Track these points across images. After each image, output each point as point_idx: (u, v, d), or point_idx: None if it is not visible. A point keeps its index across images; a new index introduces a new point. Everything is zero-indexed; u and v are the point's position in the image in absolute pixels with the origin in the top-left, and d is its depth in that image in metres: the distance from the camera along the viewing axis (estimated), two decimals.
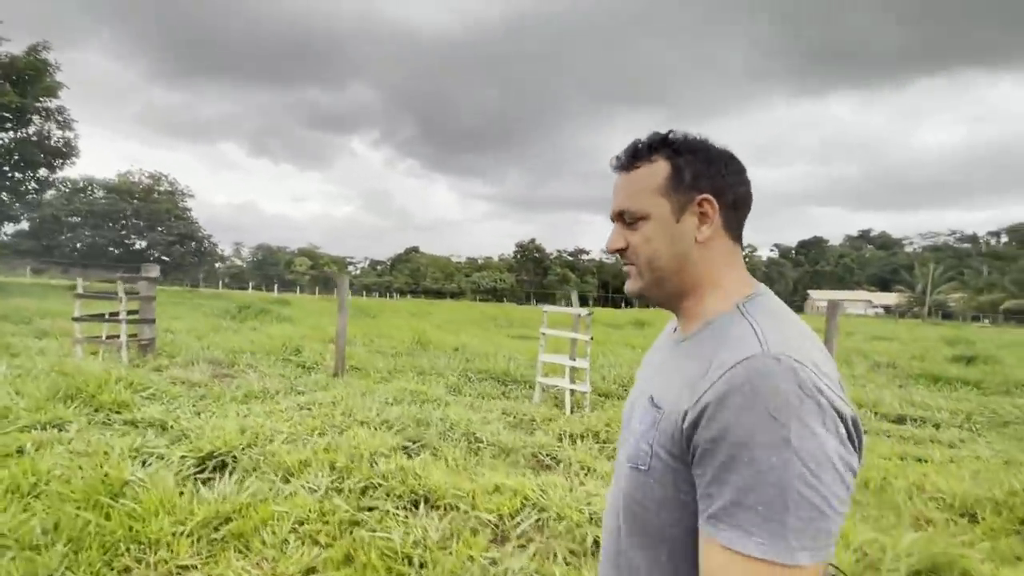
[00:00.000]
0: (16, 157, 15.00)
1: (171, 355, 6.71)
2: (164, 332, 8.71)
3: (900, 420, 5.75)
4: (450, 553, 2.33)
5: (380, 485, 2.91)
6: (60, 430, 3.55)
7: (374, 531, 2.46)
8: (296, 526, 2.49)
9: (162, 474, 2.84)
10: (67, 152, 16.17)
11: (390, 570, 2.21)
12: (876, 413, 5.93)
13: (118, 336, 6.07)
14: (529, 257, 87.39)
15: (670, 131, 0.76)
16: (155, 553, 2.24)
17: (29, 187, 15.92)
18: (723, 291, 0.73)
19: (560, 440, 4.16)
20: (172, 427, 3.72)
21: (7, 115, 14.78)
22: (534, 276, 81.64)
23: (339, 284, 6.85)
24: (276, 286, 52.59)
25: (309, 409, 4.50)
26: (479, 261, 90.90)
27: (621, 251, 0.77)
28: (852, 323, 28.37)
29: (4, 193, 15.52)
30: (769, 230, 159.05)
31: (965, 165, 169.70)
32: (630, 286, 0.78)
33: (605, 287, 79.34)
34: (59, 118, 16.08)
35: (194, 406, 4.45)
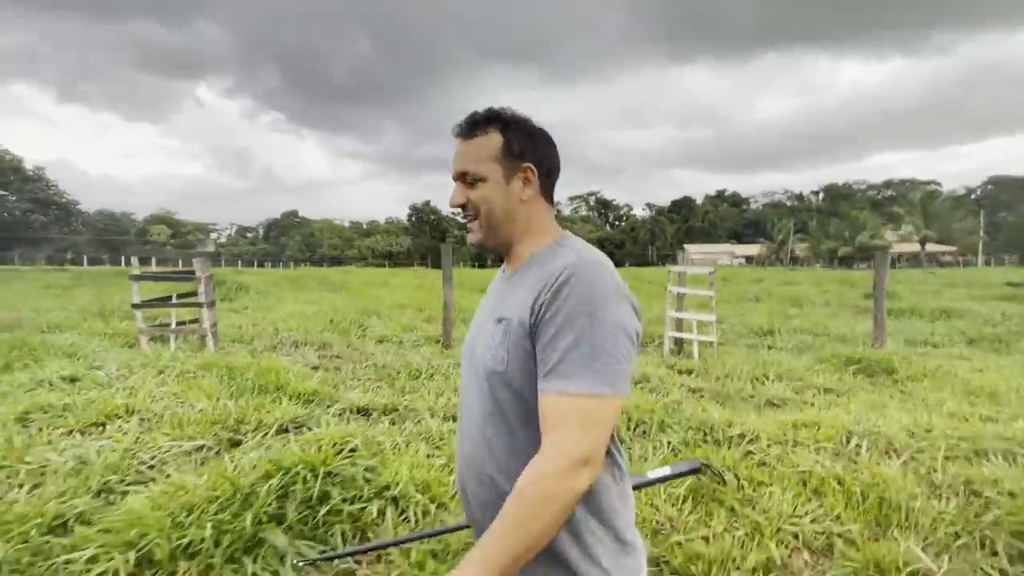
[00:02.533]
0: None
1: (241, 340, 5.93)
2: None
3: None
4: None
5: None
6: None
7: None
8: None
9: None
10: None
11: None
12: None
13: (197, 321, 5.19)
14: (425, 220, 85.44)
15: (501, 108, 0.95)
16: None
17: None
18: (542, 235, 0.95)
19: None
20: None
21: None
22: (430, 239, 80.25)
23: (443, 253, 6.48)
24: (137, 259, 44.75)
25: None
26: (363, 225, 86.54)
27: (462, 206, 0.96)
28: (735, 272, 32.84)
29: None
30: (642, 190, 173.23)
31: (794, 132, 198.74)
32: (471, 237, 0.98)
33: None
34: None
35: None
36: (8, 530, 2.09)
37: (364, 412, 3.69)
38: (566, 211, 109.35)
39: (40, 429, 3.00)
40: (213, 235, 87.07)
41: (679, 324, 6.09)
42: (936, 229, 46.04)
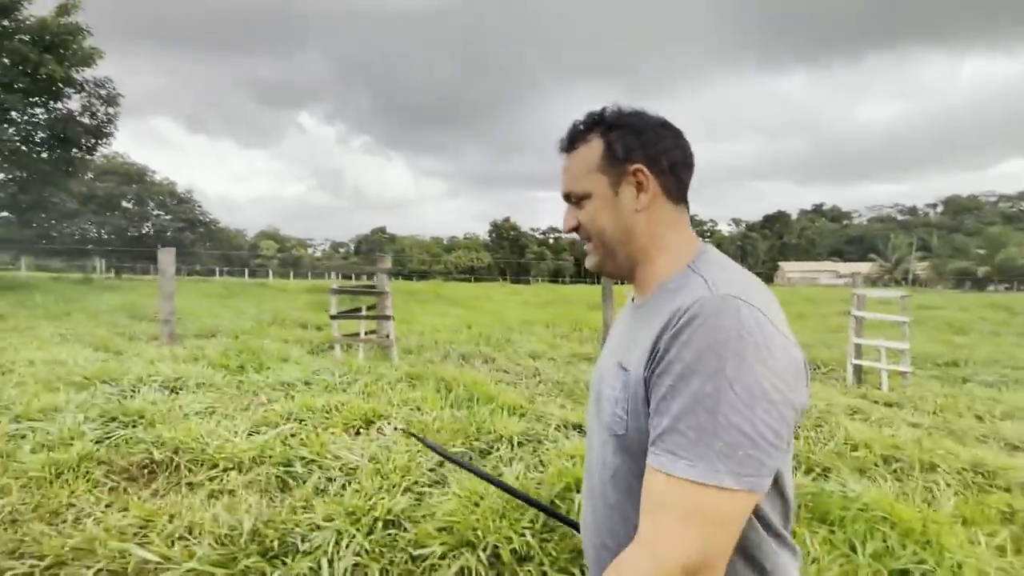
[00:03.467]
0: (60, 136, 13.04)
1: (409, 351, 6.31)
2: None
3: None
4: None
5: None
6: None
7: None
8: None
9: None
10: (107, 131, 14.29)
11: None
12: None
13: (375, 332, 5.61)
14: (505, 236, 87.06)
15: (604, 108, 0.79)
16: None
17: (67, 170, 13.94)
18: (672, 254, 0.77)
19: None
20: None
21: (50, 88, 12.86)
22: (510, 254, 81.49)
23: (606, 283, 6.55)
24: (246, 272, 49.53)
25: None
26: (444, 241, 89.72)
27: (575, 230, 0.82)
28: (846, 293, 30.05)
29: (48, 187, 13.49)
30: (723, 204, 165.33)
31: (903, 139, 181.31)
32: (589, 262, 0.83)
33: (579, 264, 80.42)
34: (103, 91, 13.73)
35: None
36: (356, 520, 2.33)
37: (578, 428, 3.75)
38: None
39: (314, 428, 3.35)
40: (309, 250, 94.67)
41: (859, 350, 5.66)
42: None
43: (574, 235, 0.82)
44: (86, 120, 13.50)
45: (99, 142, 13.83)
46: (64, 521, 2.42)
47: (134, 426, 3.29)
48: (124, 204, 25.11)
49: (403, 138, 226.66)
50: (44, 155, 13.53)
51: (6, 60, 12.00)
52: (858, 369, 5.68)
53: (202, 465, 2.86)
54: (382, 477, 2.71)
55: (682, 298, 0.68)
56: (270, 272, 51.11)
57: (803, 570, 2.08)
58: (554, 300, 15.84)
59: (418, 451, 2.97)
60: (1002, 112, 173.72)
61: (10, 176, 12.61)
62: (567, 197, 0.82)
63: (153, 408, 3.51)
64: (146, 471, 2.85)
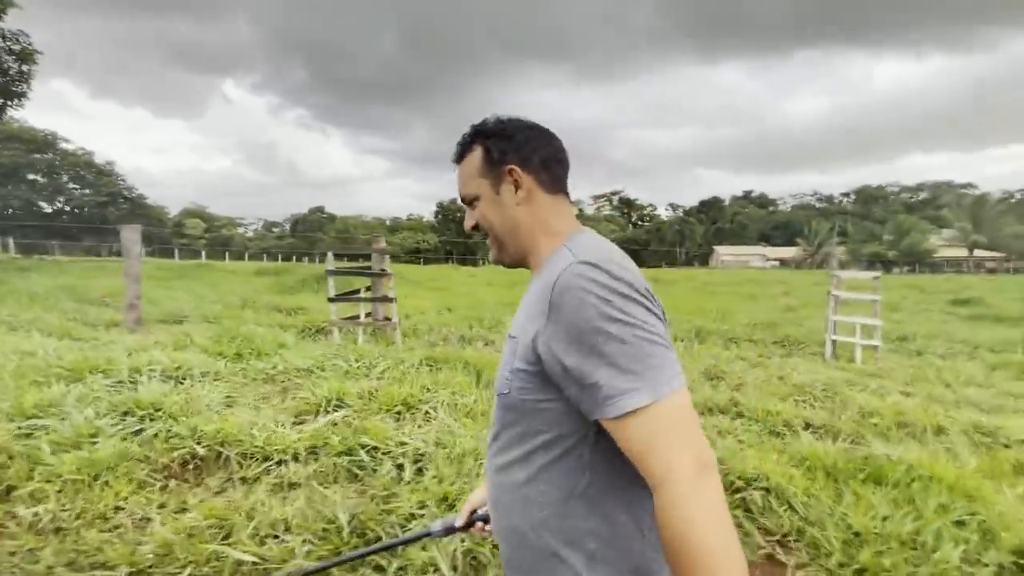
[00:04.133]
0: None
1: (408, 334, 6.13)
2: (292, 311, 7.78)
3: None
4: None
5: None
6: None
7: None
8: None
9: None
10: (18, 90, 12.37)
11: None
12: None
13: (389, 318, 5.39)
14: (451, 218, 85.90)
15: (483, 120, 0.91)
16: None
17: None
18: (552, 238, 0.87)
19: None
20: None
21: None
22: (456, 236, 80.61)
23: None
24: (175, 252, 45.77)
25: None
26: (387, 222, 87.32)
27: (475, 229, 0.93)
28: (784, 275, 32.39)
29: None
30: (664, 190, 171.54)
31: (824, 132, 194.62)
32: (491, 256, 0.94)
33: None
34: (15, 46, 11.54)
35: None
36: (451, 506, 2.26)
37: None
38: (589, 210, 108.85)
39: (357, 415, 3.20)
40: (240, 229, 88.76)
41: (834, 327, 6.15)
42: (985, 234, 44.88)
43: (475, 233, 0.92)
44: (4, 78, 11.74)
45: (8, 103, 12.09)
46: (118, 527, 2.19)
47: (152, 419, 3.00)
48: (31, 176, 22.25)
49: (342, 113, 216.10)
50: None
51: None
52: (833, 344, 6.16)
53: (253, 458, 2.67)
54: (456, 462, 2.65)
55: (554, 271, 0.76)
56: (203, 253, 47.35)
57: (875, 526, 2.26)
58: (518, 281, 15.88)
59: (485, 435, 2.92)
60: (908, 110, 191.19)
61: None
62: (463, 200, 0.92)
63: (168, 400, 3.20)
64: (190, 467, 2.62)
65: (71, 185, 24.42)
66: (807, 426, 3.42)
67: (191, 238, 61.15)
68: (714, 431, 3.23)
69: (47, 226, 21.97)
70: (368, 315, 5.74)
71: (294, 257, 56.90)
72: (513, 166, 0.86)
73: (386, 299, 5.44)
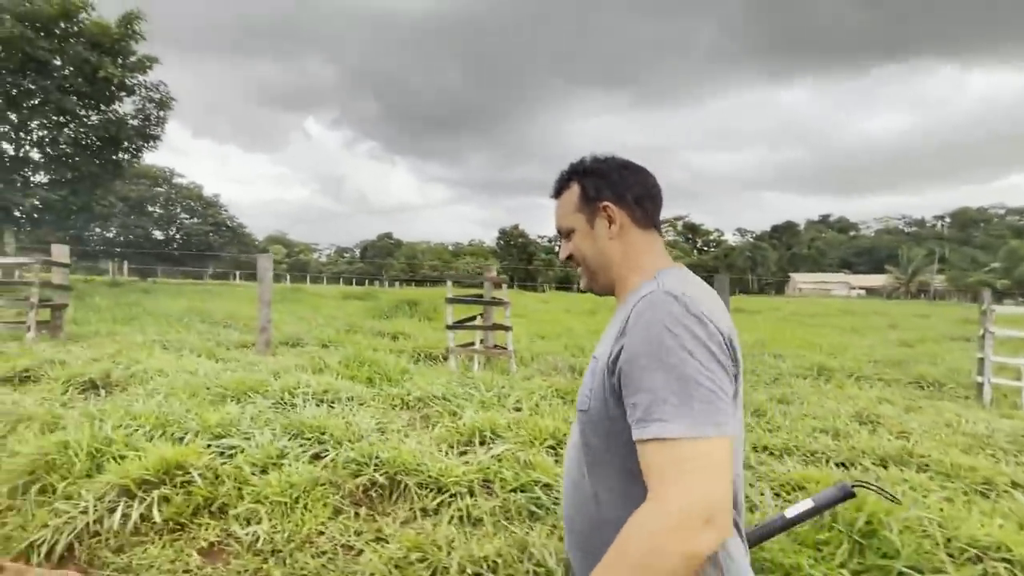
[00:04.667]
0: (110, 139, 12.69)
1: (522, 363, 6.11)
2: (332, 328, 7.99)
3: None
4: None
5: None
6: None
7: None
8: None
9: None
10: (154, 133, 14.12)
11: None
12: None
13: (504, 346, 5.43)
14: (513, 243, 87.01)
15: (582, 159, 0.98)
16: None
17: (114, 172, 13.68)
18: (644, 272, 0.91)
19: None
20: None
21: (105, 92, 12.64)
22: (518, 261, 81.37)
23: (718, 282, 6.31)
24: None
25: None
26: (449, 247, 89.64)
27: (569, 259, 0.99)
28: (873, 305, 29.92)
29: (98, 190, 13.27)
30: (727, 213, 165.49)
31: (908, 151, 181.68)
32: (582, 283, 1.02)
33: None
34: (156, 95, 13.57)
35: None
36: None
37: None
38: None
39: (520, 446, 3.16)
40: (314, 255, 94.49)
41: (981, 367, 5.49)
42: None
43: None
44: (136, 123, 13.38)
45: (145, 145, 13.71)
46: (324, 552, 2.25)
47: (320, 442, 3.12)
48: (151, 208, 25.00)
49: (408, 144, 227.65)
50: (95, 158, 13.36)
51: (67, 66, 11.94)
52: (988, 387, 5.50)
53: (428, 488, 2.68)
54: None
55: (638, 296, 0.82)
56: (286, 277, 50.67)
57: None
58: (598, 308, 15.66)
59: None
60: (1007, 124, 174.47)
61: (61, 178, 12.48)
62: (559, 232, 1.00)
63: (331, 424, 3.33)
64: (370, 494, 2.67)
65: (183, 215, 27.17)
66: (1014, 484, 3.01)
67: (274, 263, 65.94)
68: (904, 485, 2.91)
69: (158, 252, 24.48)
70: (481, 342, 5.79)
71: (366, 281, 59.88)
72: (608, 203, 0.93)
73: (503, 327, 5.48)
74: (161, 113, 13.50)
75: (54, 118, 12.38)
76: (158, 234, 25.62)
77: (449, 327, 5.56)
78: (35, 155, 12.60)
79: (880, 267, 56.49)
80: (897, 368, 7.14)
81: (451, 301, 5.67)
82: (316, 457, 2.91)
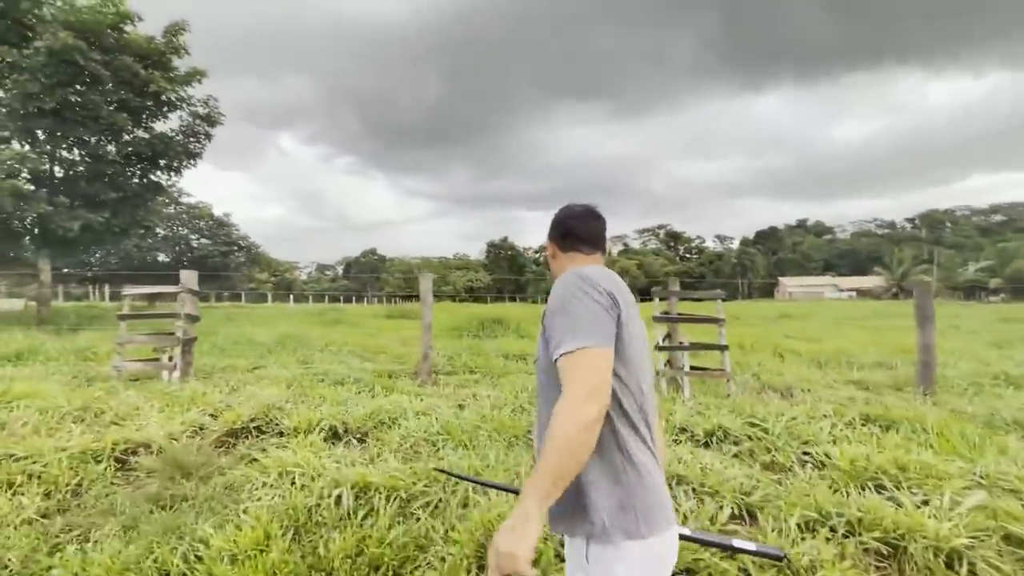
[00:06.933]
0: (153, 157, 12.06)
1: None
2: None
3: None
4: None
5: None
6: None
7: None
8: None
9: None
10: (197, 151, 13.25)
11: None
12: None
13: (724, 367, 5.02)
14: (503, 256, 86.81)
15: (562, 207, 1.46)
16: None
17: (155, 191, 12.84)
18: (566, 272, 1.27)
19: None
20: None
21: (153, 107, 11.88)
22: (508, 274, 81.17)
23: (920, 293, 5.83)
24: (242, 296, 47.12)
25: None
26: (434, 261, 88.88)
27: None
28: (873, 306, 30.45)
29: (140, 210, 12.48)
30: (706, 220, 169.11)
31: (878, 155, 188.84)
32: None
33: None
34: (205, 110, 12.88)
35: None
36: None
37: None
38: (635, 244, 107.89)
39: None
40: (296, 272, 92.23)
41: None
42: None
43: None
44: (181, 139, 12.62)
45: (188, 162, 12.94)
46: None
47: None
48: (158, 229, 23.83)
49: (387, 158, 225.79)
50: (140, 177, 12.76)
51: (116, 85, 11.22)
52: None
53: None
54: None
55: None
56: (269, 296, 48.88)
57: None
58: None
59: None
60: (966, 129, 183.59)
61: (105, 199, 11.61)
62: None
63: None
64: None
65: (191, 236, 25.95)
66: None
67: (259, 282, 63.89)
68: None
69: (167, 275, 23.17)
70: (667, 364, 5.40)
71: (353, 299, 58.40)
72: (551, 239, 1.44)
73: (720, 347, 5.09)
74: (209, 128, 12.81)
75: (100, 136, 11.71)
76: (162, 256, 24.38)
77: (659, 348, 5.11)
78: (80, 172, 11.73)
79: (860, 269, 58.27)
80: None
81: (659, 319, 5.22)
82: None
